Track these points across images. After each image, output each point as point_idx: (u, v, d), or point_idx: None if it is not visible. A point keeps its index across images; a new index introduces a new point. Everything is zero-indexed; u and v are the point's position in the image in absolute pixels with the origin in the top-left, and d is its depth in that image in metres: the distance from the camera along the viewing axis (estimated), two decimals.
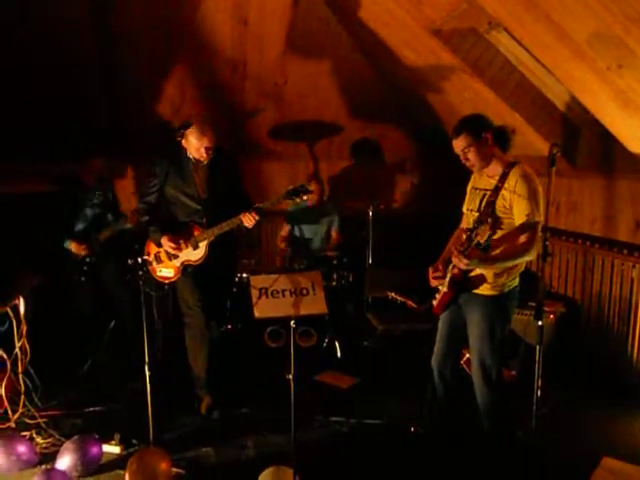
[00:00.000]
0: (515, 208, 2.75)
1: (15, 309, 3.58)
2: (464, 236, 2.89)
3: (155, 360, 3.90)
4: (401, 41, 4.50)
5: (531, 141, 4.44)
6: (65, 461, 3.00)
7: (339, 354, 4.69)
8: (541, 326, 2.60)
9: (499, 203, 2.81)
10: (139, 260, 3.03)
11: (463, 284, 2.89)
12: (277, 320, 3.74)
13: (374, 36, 4.60)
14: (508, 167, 2.85)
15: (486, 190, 2.94)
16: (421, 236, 5.75)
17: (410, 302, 4.31)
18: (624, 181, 4.10)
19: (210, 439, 3.43)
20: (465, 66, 4.18)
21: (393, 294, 4.33)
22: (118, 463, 3.15)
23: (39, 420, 3.52)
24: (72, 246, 4.25)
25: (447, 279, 2.93)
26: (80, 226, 4.38)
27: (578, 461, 3.22)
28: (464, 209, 3.22)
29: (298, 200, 3.48)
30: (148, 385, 3.17)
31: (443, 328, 3.20)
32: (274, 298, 2.66)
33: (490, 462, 3.17)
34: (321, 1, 4.50)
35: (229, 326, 4.91)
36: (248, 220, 3.41)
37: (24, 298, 3.65)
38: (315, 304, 2.68)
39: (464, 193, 3.29)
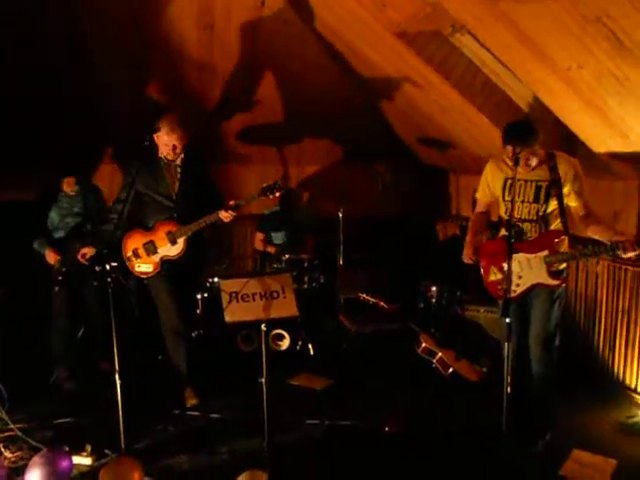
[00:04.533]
0: (581, 191, 3.16)
1: None
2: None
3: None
4: (366, 43, 4.52)
5: (496, 141, 4.50)
6: (34, 475, 2.91)
7: (312, 353, 4.68)
8: (509, 323, 2.63)
9: (564, 192, 3.13)
10: (107, 267, 2.99)
11: None
12: (249, 324, 3.73)
13: (339, 38, 4.62)
14: (550, 158, 3.14)
15: (540, 181, 3.15)
16: (390, 237, 5.83)
17: (381, 303, 4.33)
18: (588, 179, 4.16)
19: (183, 446, 3.37)
20: (430, 68, 4.22)
21: (364, 295, 4.33)
22: (90, 474, 3.08)
23: (8, 434, 3.43)
24: (48, 255, 4.08)
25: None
26: (61, 234, 4.21)
27: (549, 453, 3.28)
28: (501, 198, 3.33)
29: (272, 197, 3.58)
30: (119, 394, 3.12)
31: None
32: (245, 302, 2.65)
33: (464, 459, 3.22)
34: (287, 4, 4.49)
35: (201, 331, 4.85)
36: (226, 217, 3.53)
37: None
38: (286, 307, 2.67)
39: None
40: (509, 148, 3.02)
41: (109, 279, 3.00)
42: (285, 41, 4.85)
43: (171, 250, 3.67)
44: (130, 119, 5.03)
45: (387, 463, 3.25)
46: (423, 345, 4.29)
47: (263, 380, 2.69)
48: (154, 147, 3.65)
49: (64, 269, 3.98)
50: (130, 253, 3.72)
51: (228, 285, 2.69)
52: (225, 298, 2.64)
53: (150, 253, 3.70)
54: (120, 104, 5.05)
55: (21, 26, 4.13)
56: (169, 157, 3.67)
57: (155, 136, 3.58)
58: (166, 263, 3.71)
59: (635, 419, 3.61)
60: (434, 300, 4.86)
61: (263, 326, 2.68)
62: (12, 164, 4.71)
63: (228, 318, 2.65)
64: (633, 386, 3.87)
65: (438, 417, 3.75)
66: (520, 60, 3.51)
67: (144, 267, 3.71)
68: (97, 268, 3.01)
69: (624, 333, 3.91)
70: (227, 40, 4.74)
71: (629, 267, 3.82)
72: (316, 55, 5.04)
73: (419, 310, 4.96)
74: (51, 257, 4.06)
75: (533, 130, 3.05)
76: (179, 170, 3.73)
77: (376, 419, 3.60)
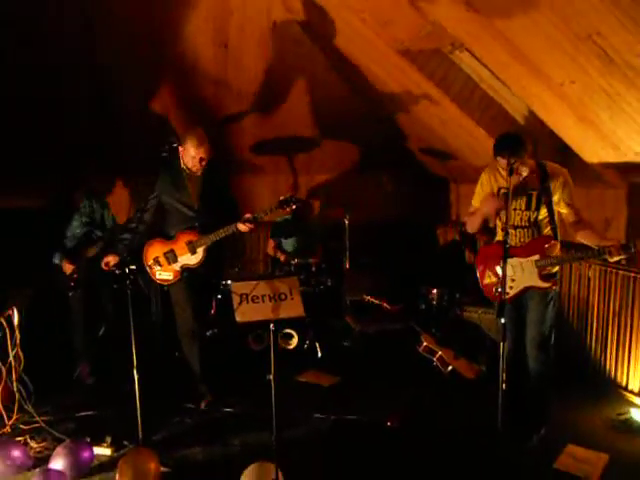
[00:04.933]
0: (570, 199, 3.12)
1: (9, 319, 3.51)
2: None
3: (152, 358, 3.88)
4: (371, 60, 4.53)
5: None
6: (57, 465, 2.93)
7: (319, 354, 4.67)
8: (504, 324, 2.61)
9: (554, 200, 3.11)
10: (126, 270, 3.00)
11: None
12: (260, 324, 3.73)
13: (345, 55, 4.63)
14: (541, 168, 3.13)
15: (531, 190, 3.14)
16: (394, 242, 5.82)
17: (385, 304, 4.32)
18: (580, 189, 4.13)
19: (198, 438, 3.39)
20: (431, 84, 4.22)
21: (369, 297, 4.33)
22: (109, 464, 3.09)
23: (34, 425, 3.45)
24: (64, 266, 4.14)
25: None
26: (73, 242, 4.26)
27: (544, 448, 3.25)
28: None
29: (289, 209, 3.55)
30: (137, 388, 3.13)
31: None
32: (254, 303, 2.64)
33: (461, 453, 3.19)
34: (296, 24, 4.51)
35: (215, 330, 4.86)
36: (243, 229, 3.51)
37: (17, 309, 3.58)
38: (293, 308, 2.67)
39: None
40: (500, 159, 3.02)
41: (128, 281, 3.01)
42: (295, 59, 4.86)
43: (191, 259, 3.64)
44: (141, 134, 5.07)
45: (388, 456, 3.23)
46: (424, 344, 4.27)
47: (271, 377, 2.68)
48: (176, 158, 3.63)
49: (75, 275, 4.02)
50: (151, 261, 3.69)
51: (239, 287, 2.69)
52: (236, 300, 2.64)
53: (171, 262, 3.66)
54: (133, 119, 5.06)
55: (39, 27, 4.10)
56: (194, 169, 3.61)
57: (181, 148, 3.55)
58: (186, 271, 3.68)
59: (626, 416, 3.57)
60: (435, 302, 4.82)
61: (272, 326, 2.67)
62: (18, 164, 4.70)
63: (239, 318, 2.65)
64: (624, 384, 3.84)
65: (437, 413, 3.73)
66: (516, 76, 3.50)
67: (165, 275, 3.68)
68: (117, 271, 3.02)
69: (615, 333, 3.88)
70: (240, 58, 4.76)
71: (619, 271, 3.79)
72: (324, 72, 5.04)
73: (421, 311, 4.92)
74: (67, 267, 4.13)
75: (522, 142, 3.03)
76: (201, 181, 3.68)
77: (379, 414, 3.60)
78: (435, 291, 4.88)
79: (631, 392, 3.79)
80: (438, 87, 4.24)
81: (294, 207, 3.56)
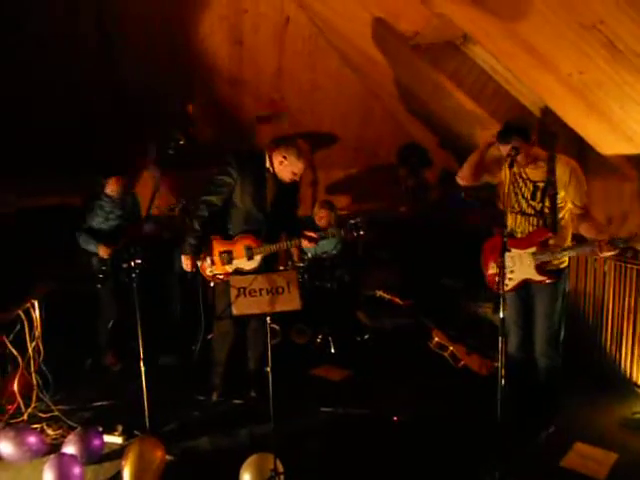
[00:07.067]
0: (574, 195, 3.04)
1: (28, 312, 3.64)
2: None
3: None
4: (382, 54, 4.51)
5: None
6: (69, 451, 3.04)
7: (333, 350, 4.69)
8: (502, 319, 2.58)
9: (560, 194, 3.05)
10: (132, 264, 3.08)
11: None
12: (274, 319, 3.73)
13: (357, 50, 4.63)
14: (550, 160, 3.08)
15: (538, 182, 3.10)
16: (410, 237, 5.78)
17: (396, 299, 4.31)
18: (597, 181, 4.05)
19: (207, 429, 3.46)
20: (444, 77, 4.18)
21: (381, 292, 4.33)
22: (120, 452, 3.16)
23: (51, 414, 3.57)
24: (100, 249, 4.17)
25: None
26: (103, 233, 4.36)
27: (552, 445, 3.20)
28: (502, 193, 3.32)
29: (355, 234, 3.49)
30: (143, 379, 3.22)
31: None
32: (252, 297, 2.68)
33: (467, 449, 3.17)
34: (308, 21, 4.53)
35: None
36: (308, 245, 3.56)
37: (38, 302, 3.71)
38: (289, 301, 2.69)
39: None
40: (501, 146, 3.00)
41: (133, 275, 3.09)
42: (309, 55, 4.89)
43: (247, 264, 3.53)
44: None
45: (389, 450, 3.23)
46: (435, 340, 4.24)
47: (268, 369, 2.72)
48: (261, 158, 3.56)
49: (104, 267, 4.11)
50: (211, 259, 3.59)
51: (237, 281, 2.73)
52: (234, 293, 2.68)
53: (225, 263, 3.55)
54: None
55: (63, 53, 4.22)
56: (286, 179, 3.54)
57: (280, 157, 3.48)
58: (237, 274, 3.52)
59: None
60: (449, 297, 4.79)
61: (268, 319, 2.71)
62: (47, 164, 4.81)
63: (235, 311, 2.69)
64: None
65: (445, 408, 3.70)
66: (524, 68, 3.43)
67: (216, 272, 3.58)
68: (124, 265, 3.10)
69: (631, 330, 3.77)
70: (256, 55, 4.81)
71: (634, 266, 3.68)
72: (338, 67, 5.06)
73: (435, 307, 4.89)
74: (104, 251, 4.15)
75: (522, 130, 3.00)
76: (280, 186, 3.58)
77: (387, 409, 3.60)
78: (450, 286, 4.85)
79: None
80: (450, 80, 4.19)
81: (362, 233, 3.48)
